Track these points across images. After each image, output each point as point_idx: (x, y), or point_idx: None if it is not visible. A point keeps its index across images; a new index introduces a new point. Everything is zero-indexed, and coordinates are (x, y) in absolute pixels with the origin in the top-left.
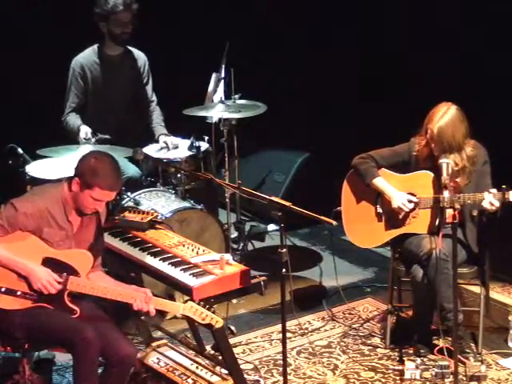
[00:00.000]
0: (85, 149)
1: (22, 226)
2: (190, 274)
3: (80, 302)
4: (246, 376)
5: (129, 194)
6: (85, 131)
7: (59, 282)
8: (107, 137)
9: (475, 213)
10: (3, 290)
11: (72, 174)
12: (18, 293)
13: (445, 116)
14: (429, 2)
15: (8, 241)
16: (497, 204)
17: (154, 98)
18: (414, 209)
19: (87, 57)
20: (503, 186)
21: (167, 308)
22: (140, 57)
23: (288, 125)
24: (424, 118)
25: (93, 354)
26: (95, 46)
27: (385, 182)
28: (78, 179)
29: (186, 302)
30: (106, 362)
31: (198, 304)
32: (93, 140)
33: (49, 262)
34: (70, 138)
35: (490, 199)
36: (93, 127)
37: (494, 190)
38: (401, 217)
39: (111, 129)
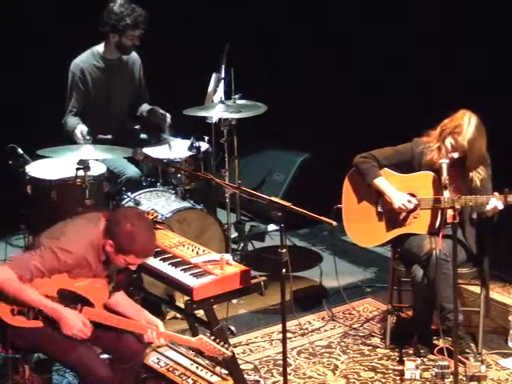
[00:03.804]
0: (85, 149)
1: (58, 272)
2: (190, 275)
3: None
4: (246, 376)
5: (129, 193)
6: (80, 130)
7: None
8: (107, 137)
9: (475, 215)
10: (15, 311)
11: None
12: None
13: (470, 128)
14: (429, 3)
15: None
16: (501, 207)
17: (147, 96)
18: (414, 209)
19: (86, 60)
20: (505, 189)
21: (178, 342)
22: (136, 58)
23: (288, 125)
24: (424, 118)
25: None
26: (94, 49)
27: (386, 182)
28: (113, 242)
29: (197, 336)
30: (115, 358)
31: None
32: (89, 139)
33: (64, 292)
34: (70, 140)
35: (495, 203)
36: (94, 129)
37: (496, 194)
38: (401, 217)
39: (112, 130)
